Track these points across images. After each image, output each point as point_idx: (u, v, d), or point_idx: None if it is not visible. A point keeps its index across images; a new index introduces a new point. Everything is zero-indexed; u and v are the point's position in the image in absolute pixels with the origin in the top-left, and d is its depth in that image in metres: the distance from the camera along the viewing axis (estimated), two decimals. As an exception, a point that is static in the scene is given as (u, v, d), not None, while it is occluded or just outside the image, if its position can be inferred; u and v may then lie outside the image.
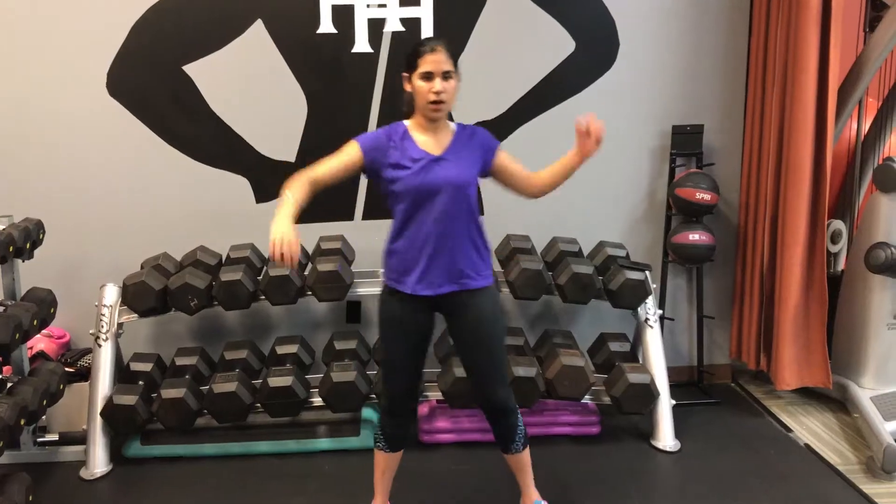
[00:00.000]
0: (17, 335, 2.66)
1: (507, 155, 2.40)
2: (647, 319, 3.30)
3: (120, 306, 3.18)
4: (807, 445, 3.24)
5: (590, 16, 3.54)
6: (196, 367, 3.27)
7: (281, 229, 2.07)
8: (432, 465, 3.05)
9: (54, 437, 3.19)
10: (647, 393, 3.13)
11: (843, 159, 3.75)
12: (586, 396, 3.18)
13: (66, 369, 3.21)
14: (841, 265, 3.65)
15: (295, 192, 2.20)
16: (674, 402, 3.26)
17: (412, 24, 3.45)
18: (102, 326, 3.13)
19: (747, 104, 3.65)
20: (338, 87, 3.50)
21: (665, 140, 3.68)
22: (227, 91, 3.46)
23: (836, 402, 3.55)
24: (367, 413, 3.29)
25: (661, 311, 3.45)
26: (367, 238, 3.51)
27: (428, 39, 2.30)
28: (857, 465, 3.08)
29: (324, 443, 3.21)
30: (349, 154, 2.29)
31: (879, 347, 3.32)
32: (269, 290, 3.17)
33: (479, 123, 2.48)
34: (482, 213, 3.08)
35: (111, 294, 3.19)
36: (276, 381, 3.08)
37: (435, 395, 3.21)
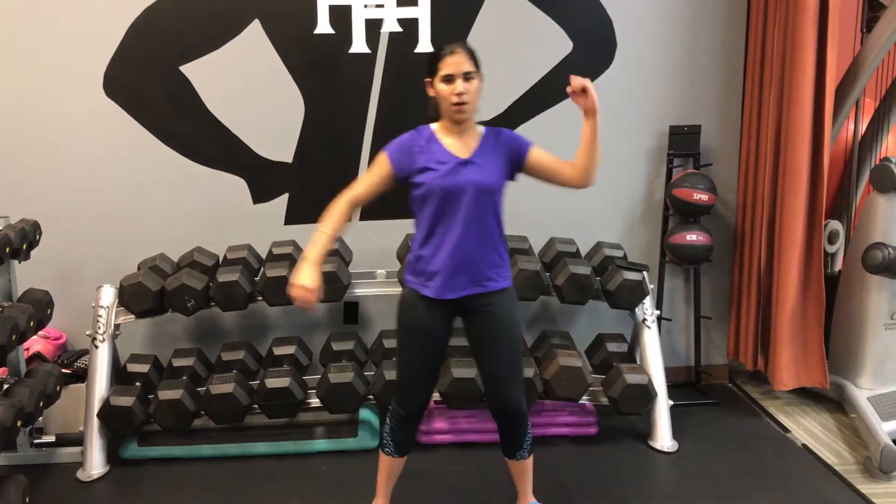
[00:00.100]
0: (14, 336, 2.66)
1: (542, 151, 2.34)
2: (644, 320, 3.30)
3: (117, 307, 3.17)
4: (804, 446, 3.24)
5: (587, 16, 3.54)
6: (193, 369, 3.26)
7: (301, 280, 2.19)
8: (430, 465, 3.05)
9: (51, 438, 3.18)
10: (645, 393, 3.13)
11: (841, 160, 3.75)
12: (584, 397, 3.18)
13: (63, 370, 3.20)
14: (838, 266, 3.66)
15: (329, 225, 2.26)
16: (671, 402, 3.26)
17: (410, 25, 3.45)
18: (99, 327, 3.13)
19: (745, 105, 3.65)
20: (335, 87, 3.49)
21: (662, 140, 3.68)
22: (224, 91, 3.45)
23: (834, 402, 3.55)
24: (365, 414, 3.28)
25: (658, 312, 3.46)
26: (365, 239, 3.51)
27: (448, 42, 2.27)
28: (855, 465, 3.09)
29: (321, 444, 3.21)
30: (380, 166, 2.31)
31: (876, 347, 3.32)
32: (266, 290, 3.17)
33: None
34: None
35: (108, 295, 3.18)
36: (273, 383, 3.07)
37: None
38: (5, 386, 2.75)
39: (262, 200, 3.57)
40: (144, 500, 2.88)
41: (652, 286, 3.40)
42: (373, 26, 3.44)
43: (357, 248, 3.48)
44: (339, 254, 3.32)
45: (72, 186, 3.45)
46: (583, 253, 3.53)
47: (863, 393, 3.30)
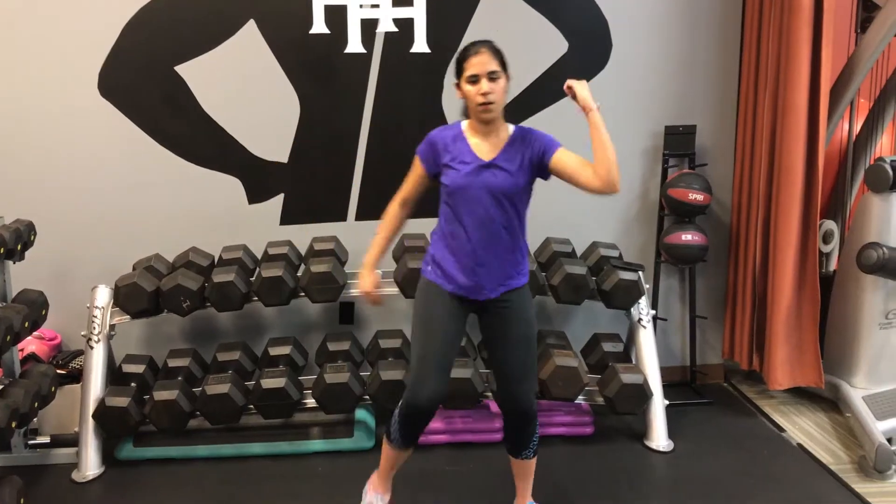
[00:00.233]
0: (8, 337, 2.65)
1: (567, 153, 2.25)
2: (640, 320, 3.31)
3: (112, 308, 3.16)
4: (799, 445, 3.25)
5: (583, 16, 3.54)
6: (188, 369, 3.25)
7: (360, 286, 2.48)
8: (426, 465, 3.04)
9: (46, 439, 3.17)
10: (641, 393, 3.14)
11: (835, 160, 3.77)
12: (580, 397, 3.18)
13: (58, 371, 3.20)
14: (833, 265, 3.67)
15: (384, 228, 2.45)
16: (667, 402, 3.26)
17: (405, 25, 3.45)
18: (94, 328, 3.12)
19: (740, 105, 3.66)
20: (331, 87, 3.49)
21: (658, 140, 3.68)
22: (219, 91, 3.45)
23: (829, 401, 3.56)
24: (361, 414, 3.28)
25: (653, 312, 3.46)
26: (361, 239, 3.49)
27: (473, 43, 2.26)
28: (850, 464, 3.09)
29: (317, 444, 3.20)
30: (416, 168, 2.38)
31: (871, 347, 3.33)
32: (261, 291, 3.16)
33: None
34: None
35: (103, 295, 3.17)
36: (268, 383, 3.07)
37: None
38: (0, 387, 2.74)
39: (257, 200, 3.56)
40: (140, 501, 2.87)
41: (647, 286, 3.40)
42: (368, 26, 3.44)
43: (353, 249, 3.47)
44: (334, 254, 3.32)
45: (66, 186, 3.44)
46: (578, 253, 3.53)
47: (858, 392, 3.30)
